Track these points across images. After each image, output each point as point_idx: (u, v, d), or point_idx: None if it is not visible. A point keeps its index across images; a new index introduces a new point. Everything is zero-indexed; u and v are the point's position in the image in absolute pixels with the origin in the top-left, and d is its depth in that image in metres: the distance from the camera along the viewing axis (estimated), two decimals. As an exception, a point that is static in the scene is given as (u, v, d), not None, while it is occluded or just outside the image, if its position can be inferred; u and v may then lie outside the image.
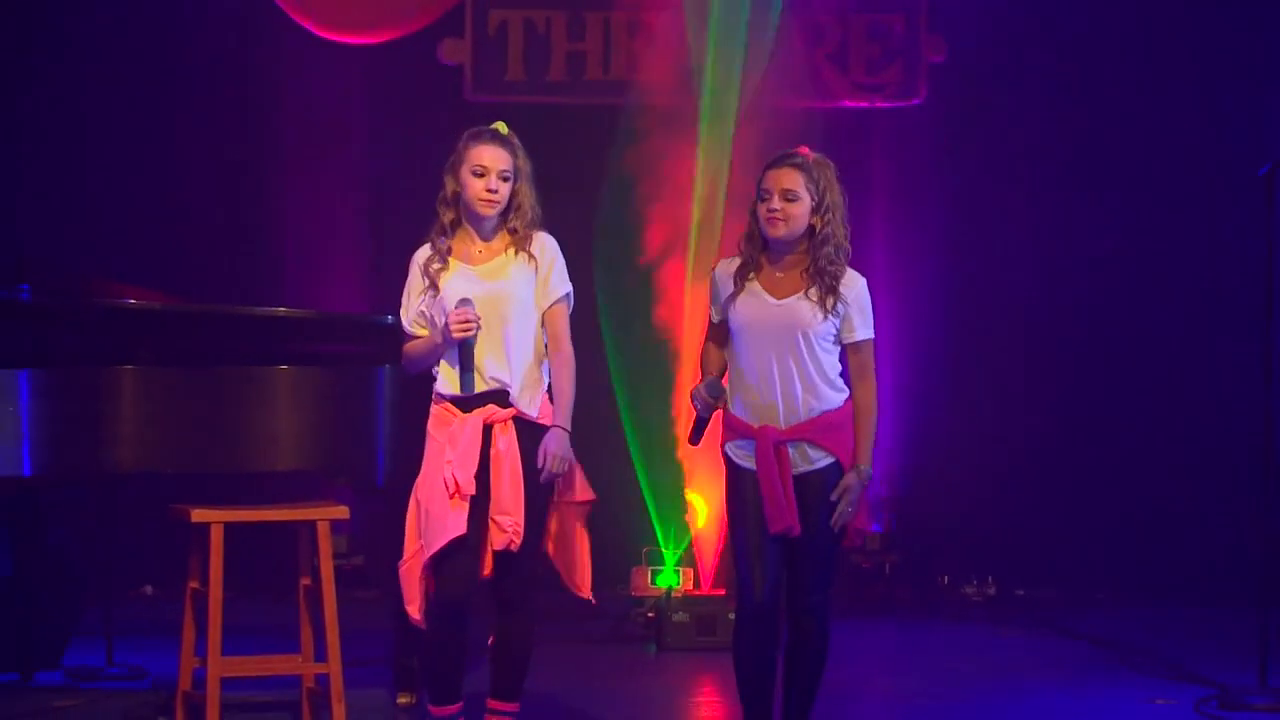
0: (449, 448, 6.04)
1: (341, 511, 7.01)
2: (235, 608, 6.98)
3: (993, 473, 10.11)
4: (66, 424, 6.81)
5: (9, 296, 7.02)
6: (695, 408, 6.19)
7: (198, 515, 6.84)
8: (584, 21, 10.15)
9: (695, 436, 6.25)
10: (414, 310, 6.18)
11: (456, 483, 6.00)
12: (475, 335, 6.03)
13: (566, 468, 6.14)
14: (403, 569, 6.09)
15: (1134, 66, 10.02)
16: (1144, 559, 10.02)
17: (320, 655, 6.95)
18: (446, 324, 6.04)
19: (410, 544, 6.07)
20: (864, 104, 10.20)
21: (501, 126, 6.17)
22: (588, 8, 10.13)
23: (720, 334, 6.25)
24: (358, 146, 10.09)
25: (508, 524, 6.00)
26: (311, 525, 6.96)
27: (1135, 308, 10.14)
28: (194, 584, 6.95)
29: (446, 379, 6.13)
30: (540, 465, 6.09)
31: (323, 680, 6.95)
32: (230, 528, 6.83)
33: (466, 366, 6.08)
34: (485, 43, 10.16)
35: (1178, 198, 10.06)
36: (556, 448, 6.11)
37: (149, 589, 9.61)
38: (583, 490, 6.27)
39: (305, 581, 7.05)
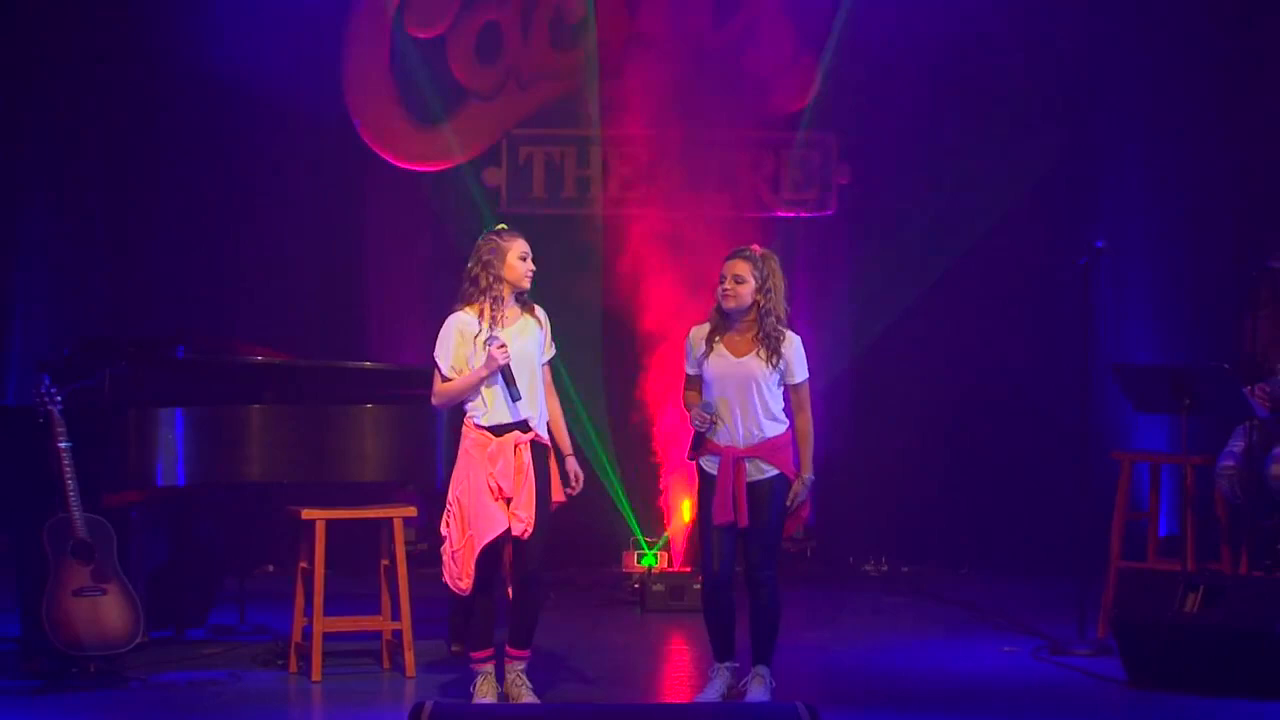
0: (490, 463, 6.02)
1: (411, 511, 7.03)
2: (333, 582, 6.98)
3: (886, 481, 10.06)
4: (211, 447, 6.85)
5: (169, 354, 7.05)
6: (695, 426, 6.16)
7: (306, 514, 6.86)
8: (589, 154, 10.15)
9: (694, 451, 6.20)
10: (450, 358, 6.10)
11: (501, 488, 6.01)
12: (509, 359, 6.01)
13: None
14: (455, 555, 6.05)
15: (986, 183, 9.98)
16: (998, 542, 9.95)
17: (395, 616, 6.98)
18: (490, 354, 5.98)
19: (460, 535, 6.04)
20: (791, 214, 10.23)
21: (504, 226, 6.18)
22: (591, 144, 10.15)
23: (695, 383, 6.26)
24: (422, 243, 10.10)
25: (524, 517, 6.03)
26: (389, 521, 6.98)
27: (994, 355, 10.02)
28: (303, 564, 6.96)
29: (487, 409, 6.07)
30: (574, 484, 6.17)
31: (397, 634, 6.97)
32: (330, 523, 6.86)
33: (510, 381, 6.03)
34: (516, 169, 10.17)
35: (1023, 278, 10.05)
36: (580, 469, 6.21)
37: (271, 567, 9.56)
38: (558, 492, 6.24)
39: (385, 562, 7.06)
